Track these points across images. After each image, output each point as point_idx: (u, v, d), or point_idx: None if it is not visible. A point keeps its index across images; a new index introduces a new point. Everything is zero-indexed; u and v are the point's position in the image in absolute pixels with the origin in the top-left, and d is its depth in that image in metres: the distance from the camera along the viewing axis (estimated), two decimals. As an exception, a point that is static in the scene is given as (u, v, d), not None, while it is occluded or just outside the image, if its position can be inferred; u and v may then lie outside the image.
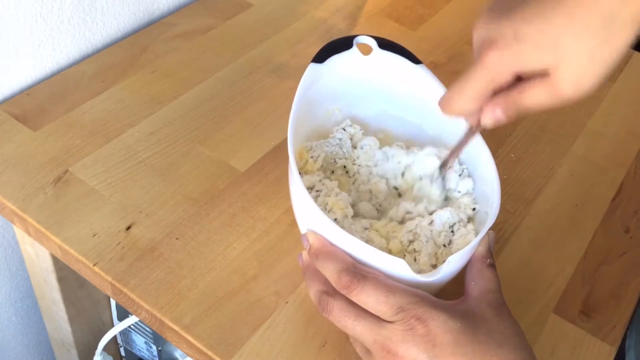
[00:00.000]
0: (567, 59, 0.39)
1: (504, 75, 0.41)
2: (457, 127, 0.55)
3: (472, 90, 0.43)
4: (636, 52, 0.87)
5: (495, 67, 0.41)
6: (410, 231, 0.51)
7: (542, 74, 0.40)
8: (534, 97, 0.41)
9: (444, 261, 0.46)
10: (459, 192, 0.54)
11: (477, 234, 0.51)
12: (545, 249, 0.62)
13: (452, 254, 0.47)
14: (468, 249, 0.47)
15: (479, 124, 0.45)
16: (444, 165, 0.53)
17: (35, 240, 0.59)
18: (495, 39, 0.40)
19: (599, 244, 0.63)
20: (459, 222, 0.52)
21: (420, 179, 0.55)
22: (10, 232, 0.75)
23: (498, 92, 0.43)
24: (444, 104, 0.45)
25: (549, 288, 0.58)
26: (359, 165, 0.58)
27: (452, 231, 0.51)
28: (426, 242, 0.50)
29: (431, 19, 0.88)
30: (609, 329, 0.56)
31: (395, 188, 0.57)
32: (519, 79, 0.42)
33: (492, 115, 0.43)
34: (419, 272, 0.47)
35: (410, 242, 0.51)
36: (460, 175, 0.55)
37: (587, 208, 0.66)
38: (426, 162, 0.55)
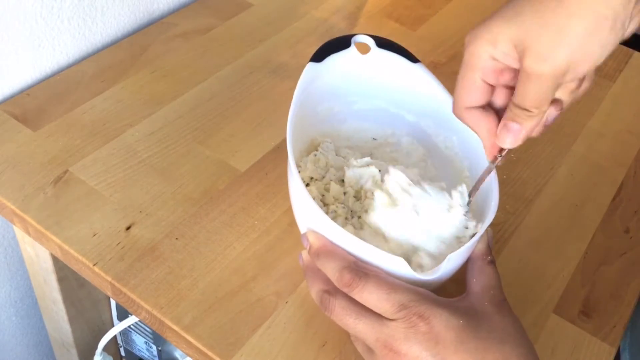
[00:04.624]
0: (531, 32, 0.40)
1: (484, 60, 0.44)
2: (456, 125, 0.55)
3: (466, 83, 0.45)
4: (636, 52, 0.87)
5: (475, 54, 0.44)
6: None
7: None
8: (526, 91, 0.42)
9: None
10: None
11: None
12: (545, 249, 0.62)
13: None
14: (467, 247, 0.47)
15: (498, 153, 0.47)
16: (470, 195, 0.52)
17: (35, 240, 0.59)
18: (479, 35, 0.44)
19: (599, 244, 0.63)
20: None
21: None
22: (10, 232, 0.75)
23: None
24: (452, 107, 0.47)
25: (548, 288, 0.58)
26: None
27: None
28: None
29: (431, 19, 0.88)
30: (609, 329, 0.56)
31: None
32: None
33: (506, 130, 0.44)
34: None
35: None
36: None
37: (587, 208, 0.66)
38: None
